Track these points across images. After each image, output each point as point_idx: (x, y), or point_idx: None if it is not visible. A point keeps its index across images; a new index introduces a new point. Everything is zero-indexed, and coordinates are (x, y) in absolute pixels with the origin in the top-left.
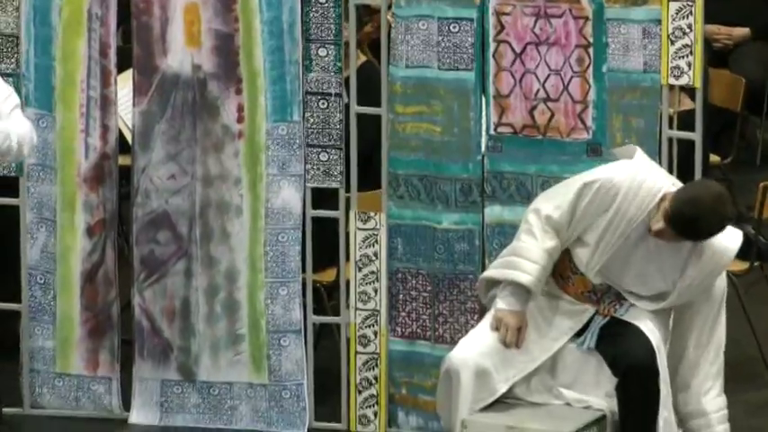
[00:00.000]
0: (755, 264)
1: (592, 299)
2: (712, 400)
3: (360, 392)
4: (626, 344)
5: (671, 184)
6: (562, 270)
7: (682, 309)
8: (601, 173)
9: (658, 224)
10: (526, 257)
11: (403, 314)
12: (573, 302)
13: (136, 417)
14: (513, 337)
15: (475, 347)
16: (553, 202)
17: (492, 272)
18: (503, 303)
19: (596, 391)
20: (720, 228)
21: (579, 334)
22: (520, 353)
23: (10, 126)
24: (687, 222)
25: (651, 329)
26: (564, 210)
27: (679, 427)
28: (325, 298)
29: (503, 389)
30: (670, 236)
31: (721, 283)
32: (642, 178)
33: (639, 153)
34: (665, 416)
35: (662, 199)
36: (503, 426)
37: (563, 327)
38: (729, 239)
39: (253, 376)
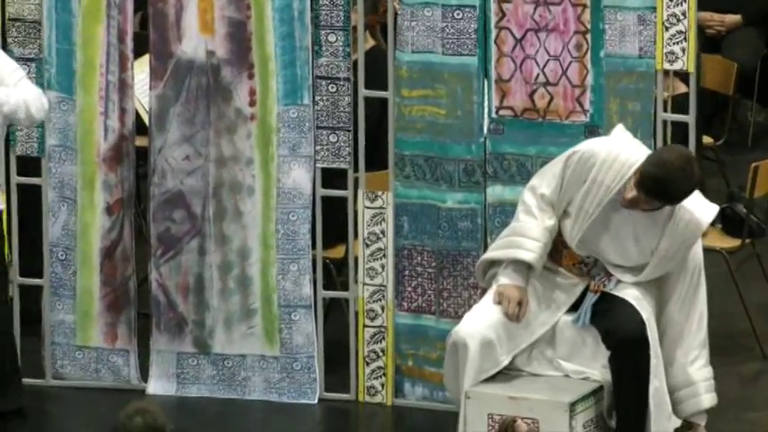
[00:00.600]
0: (747, 241)
1: (583, 270)
2: (698, 370)
3: (368, 364)
4: (617, 318)
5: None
6: (557, 244)
7: (661, 283)
8: (581, 145)
9: (631, 192)
10: (527, 236)
11: (409, 289)
12: (567, 276)
13: (153, 387)
14: (514, 309)
15: (480, 321)
16: (545, 179)
17: (493, 253)
18: (505, 279)
19: (593, 363)
20: (689, 188)
21: (575, 308)
22: (521, 326)
23: (12, 90)
24: (657, 184)
25: (641, 302)
26: (554, 186)
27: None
28: (335, 274)
29: (506, 361)
30: (643, 202)
31: (696, 254)
32: (618, 150)
33: (619, 128)
34: (657, 385)
35: (637, 170)
36: (505, 396)
37: (559, 300)
38: (703, 211)
39: (265, 349)
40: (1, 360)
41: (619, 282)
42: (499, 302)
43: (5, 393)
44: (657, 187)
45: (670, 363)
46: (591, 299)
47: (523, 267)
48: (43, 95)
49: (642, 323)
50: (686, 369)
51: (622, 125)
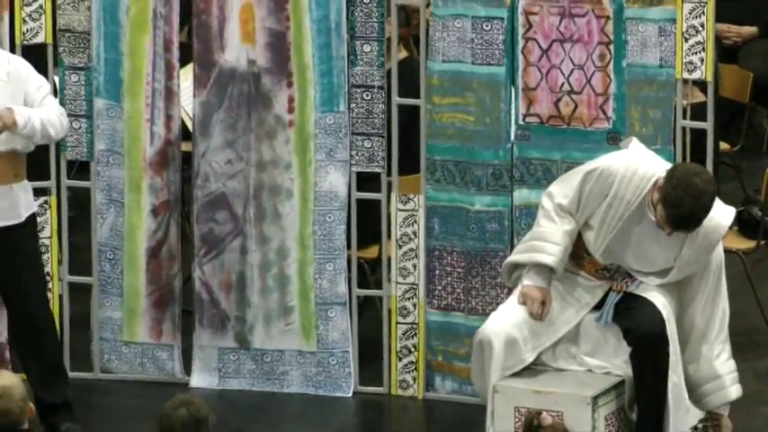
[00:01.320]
0: (762, 242)
1: (605, 276)
2: (723, 363)
3: (400, 359)
4: (638, 316)
5: (664, 169)
6: (577, 250)
7: (684, 284)
8: (600, 161)
9: (667, 228)
10: (549, 240)
11: (439, 288)
12: (589, 279)
13: (196, 381)
14: (538, 309)
15: (505, 320)
16: (563, 189)
17: (517, 257)
18: (528, 281)
19: (615, 359)
20: (705, 214)
21: (598, 307)
22: (545, 325)
23: (34, 112)
24: (681, 222)
25: (662, 301)
26: (571, 197)
27: (692, 398)
28: (369, 273)
29: (530, 358)
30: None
31: (718, 256)
32: (636, 164)
33: (635, 142)
34: (675, 380)
35: (656, 183)
36: (530, 390)
37: (582, 301)
38: (722, 216)
39: (302, 344)
40: (48, 356)
41: (641, 283)
42: (523, 303)
43: (53, 387)
44: (683, 225)
45: (696, 359)
46: (613, 299)
47: (546, 270)
48: (64, 115)
49: (662, 321)
50: (712, 363)
51: (637, 138)
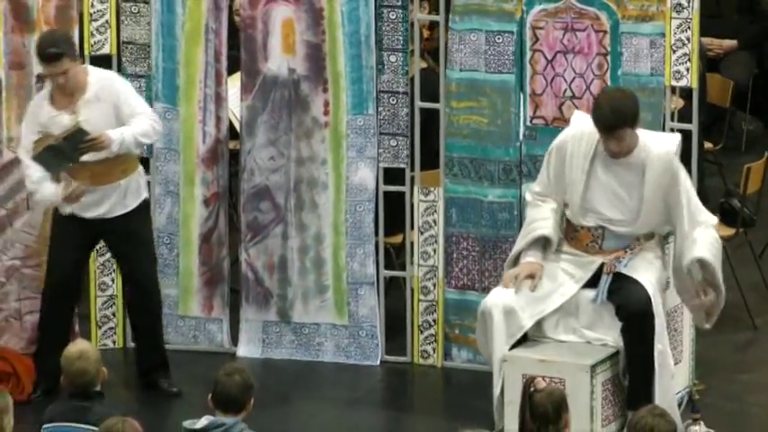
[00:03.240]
0: (740, 230)
1: (596, 247)
2: (699, 232)
3: (421, 332)
4: (627, 295)
5: None
6: (568, 232)
7: (673, 220)
8: (554, 141)
9: (603, 138)
10: (538, 219)
11: (456, 269)
12: (581, 255)
13: (242, 351)
14: (521, 278)
15: (503, 293)
16: (537, 180)
17: (516, 247)
18: (525, 257)
19: (611, 332)
20: (622, 112)
21: (592, 285)
22: (541, 297)
23: (126, 130)
24: (600, 108)
25: (649, 280)
26: (544, 182)
27: (676, 278)
28: (394, 256)
29: (529, 324)
30: (610, 142)
31: (684, 184)
32: (581, 125)
33: (577, 113)
34: (660, 348)
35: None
36: (536, 359)
37: (576, 276)
38: (665, 143)
39: (336, 318)
40: (152, 320)
41: (629, 261)
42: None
43: (156, 346)
44: (602, 120)
45: (680, 251)
46: (606, 280)
47: (540, 245)
48: (156, 121)
49: (648, 300)
50: (690, 236)
51: (581, 111)
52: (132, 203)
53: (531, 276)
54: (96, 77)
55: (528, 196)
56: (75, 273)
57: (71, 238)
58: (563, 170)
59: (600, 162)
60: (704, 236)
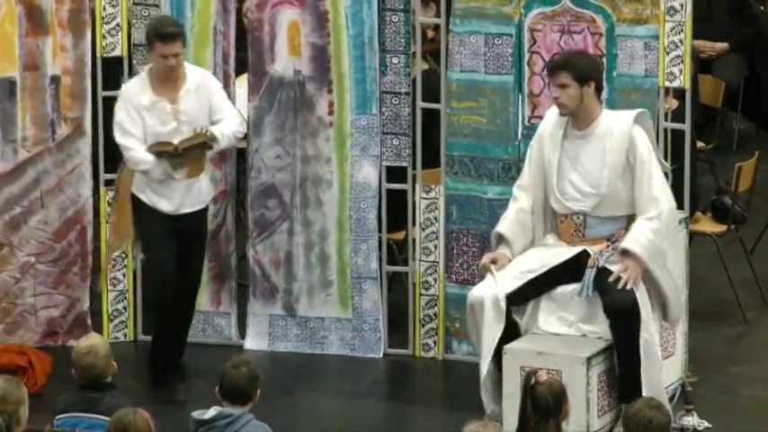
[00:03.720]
0: (732, 227)
1: (579, 236)
2: (642, 221)
3: (423, 326)
4: (613, 294)
5: None
6: (555, 225)
7: (629, 178)
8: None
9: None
10: (503, 216)
11: (456, 265)
12: (568, 246)
13: (249, 343)
14: (485, 263)
15: (485, 284)
16: (521, 174)
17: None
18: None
19: (606, 327)
20: (570, 60)
21: (578, 278)
22: (525, 270)
23: (224, 128)
24: (551, 65)
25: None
26: (525, 173)
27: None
28: (397, 252)
29: (511, 286)
30: (557, 84)
31: (642, 147)
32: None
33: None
34: (647, 337)
35: None
36: (534, 351)
37: (560, 255)
38: (624, 117)
39: (340, 312)
40: (191, 311)
41: (610, 257)
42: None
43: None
44: (551, 66)
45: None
46: (590, 274)
47: (504, 242)
48: (242, 124)
49: (634, 297)
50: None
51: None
52: (205, 201)
53: (494, 261)
54: (192, 70)
55: (514, 188)
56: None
57: (164, 232)
58: (542, 155)
59: (569, 141)
60: (639, 227)
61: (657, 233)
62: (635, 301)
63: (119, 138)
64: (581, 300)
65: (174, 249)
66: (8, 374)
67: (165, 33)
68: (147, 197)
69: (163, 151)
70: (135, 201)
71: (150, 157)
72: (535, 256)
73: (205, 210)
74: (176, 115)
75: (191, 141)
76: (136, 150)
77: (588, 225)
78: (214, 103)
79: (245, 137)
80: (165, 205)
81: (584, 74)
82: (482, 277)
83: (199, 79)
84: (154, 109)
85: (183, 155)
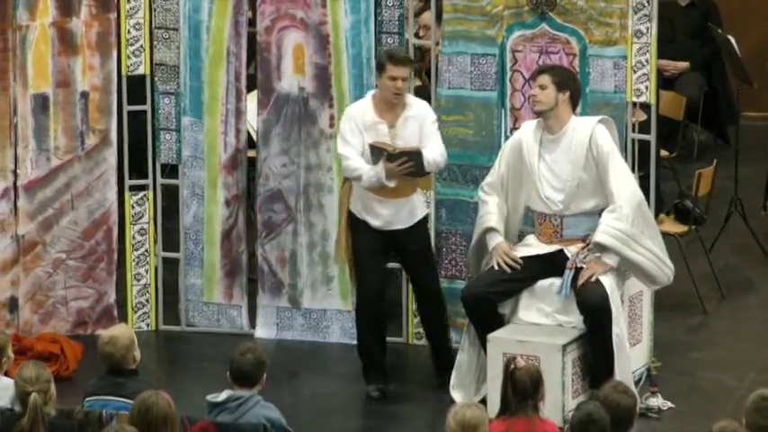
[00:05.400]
0: (692, 227)
1: (558, 237)
2: (607, 215)
3: (415, 316)
4: (586, 293)
5: None
6: (535, 226)
7: (596, 175)
8: (506, 142)
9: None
10: (485, 213)
11: (446, 261)
12: (547, 245)
13: (259, 333)
14: (509, 257)
15: (478, 281)
16: (490, 172)
17: (474, 239)
18: (492, 242)
19: (579, 317)
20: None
21: (558, 274)
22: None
23: (429, 153)
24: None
25: (606, 277)
26: (495, 175)
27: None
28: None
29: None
30: (537, 85)
31: (603, 140)
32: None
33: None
34: (617, 332)
35: None
36: (515, 339)
37: (538, 248)
38: (591, 119)
39: (341, 305)
40: (444, 314)
41: (584, 258)
42: (497, 263)
43: (444, 337)
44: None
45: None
46: (568, 275)
47: (493, 233)
48: (443, 155)
49: (606, 297)
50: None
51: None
52: (417, 216)
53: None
54: (413, 100)
55: (480, 194)
56: (385, 279)
57: (378, 248)
58: (520, 161)
59: (544, 147)
60: (605, 219)
61: (622, 219)
62: (606, 299)
63: (340, 148)
64: (558, 295)
65: (384, 267)
66: (42, 361)
67: (398, 57)
68: (360, 214)
69: (381, 148)
70: (351, 217)
71: (366, 166)
72: (519, 257)
73: (419, 223)
74: (393, 139)
75: (406, 149)
76: (352, 159)
77: (565, 226)
78: (425, 133)
79: (255, 146)
80: (375, 220)
81: (563, 81)
82: (469, 273)
83: (418, 109)
84: (373, 129)
85: (398, 159)
